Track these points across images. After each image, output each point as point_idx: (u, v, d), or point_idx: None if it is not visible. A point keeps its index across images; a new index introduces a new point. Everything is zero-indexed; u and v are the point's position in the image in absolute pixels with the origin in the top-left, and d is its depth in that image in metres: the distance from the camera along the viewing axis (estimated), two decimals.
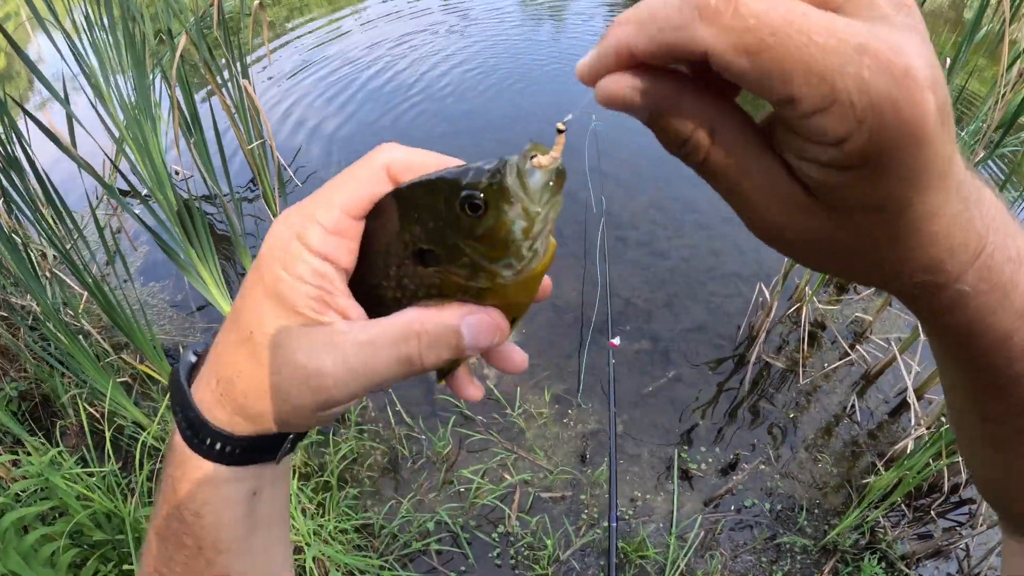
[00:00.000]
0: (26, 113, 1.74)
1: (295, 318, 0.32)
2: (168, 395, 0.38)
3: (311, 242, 0.32)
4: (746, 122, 0.24)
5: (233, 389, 0.34)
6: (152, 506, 0.40)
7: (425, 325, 0.32)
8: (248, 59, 2.24)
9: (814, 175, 0.23)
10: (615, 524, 1.81)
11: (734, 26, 0.20)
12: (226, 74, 2.13)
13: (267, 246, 0.33)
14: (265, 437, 0.36)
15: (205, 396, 0.36)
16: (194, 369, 0.39)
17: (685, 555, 2.19)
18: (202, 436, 0.35)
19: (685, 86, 0.24)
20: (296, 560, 2.02)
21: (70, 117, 2.06)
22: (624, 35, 0.23)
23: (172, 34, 1.97)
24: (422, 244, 0.32)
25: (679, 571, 2.14)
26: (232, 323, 0.35)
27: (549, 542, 2.18)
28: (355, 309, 0.34)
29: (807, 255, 0.26)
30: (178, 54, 1.83)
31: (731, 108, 0.24)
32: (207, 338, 0.39)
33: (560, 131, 0.29)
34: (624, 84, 0.23)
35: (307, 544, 1.99)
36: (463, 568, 2.16)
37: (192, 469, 0.36)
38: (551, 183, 0.29)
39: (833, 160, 0.21)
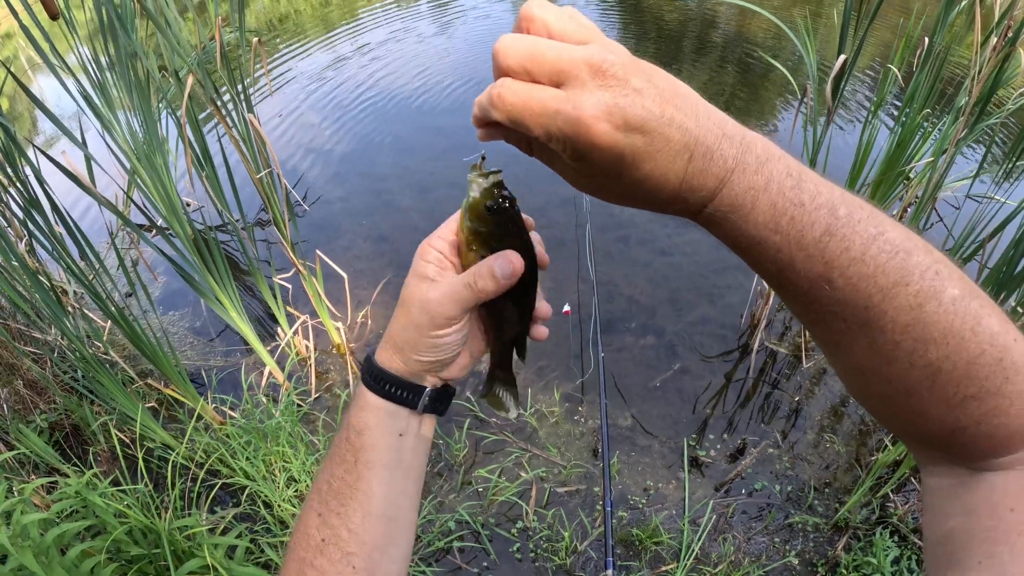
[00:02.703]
0: (50, 159, 1.86)
1: (426, 281, 0.53)
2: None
3: (435, 245, 0.55)
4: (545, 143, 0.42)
5: (392, 335, 0.55)
6: (322, 464, 0.59)
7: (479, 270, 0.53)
8: (251, 91, 2.35)
9: (568, 163, 0.40)
10: (610, 508, 1.90)
11: (501, 108, 0.38)
12: (231, 108, 2.24)
13: (416, 255, 0.56)
14: (408, 383, 0.54)
15: (380, 352, 0.56)
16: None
17: (699, 539, 2.25)
18: (372, 374, 0.55)
19: (508, 129, 0.43)
20: None
21: (88, 159, 2.18)
22: (474, 111, 0.43)
23: (178, 75, 2.08)
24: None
25: (694, 555, 2.21)
26: (397, 304, 0.56)
27: (566, 534, 2.25)
28: (453, 274, 0.55)
29: (601, 194, 0.43)
30: (186, 94, 1.95)
31: (537, 140, 0.41)
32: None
33: (472, 165, 0.54)
34: (481, 131, 0.44)
35: None
36: (485, 564, 2.23)
37: (364, 402, 0.55)
38: (485, 178, 0.52)
39: (569, 158, 0.39)
